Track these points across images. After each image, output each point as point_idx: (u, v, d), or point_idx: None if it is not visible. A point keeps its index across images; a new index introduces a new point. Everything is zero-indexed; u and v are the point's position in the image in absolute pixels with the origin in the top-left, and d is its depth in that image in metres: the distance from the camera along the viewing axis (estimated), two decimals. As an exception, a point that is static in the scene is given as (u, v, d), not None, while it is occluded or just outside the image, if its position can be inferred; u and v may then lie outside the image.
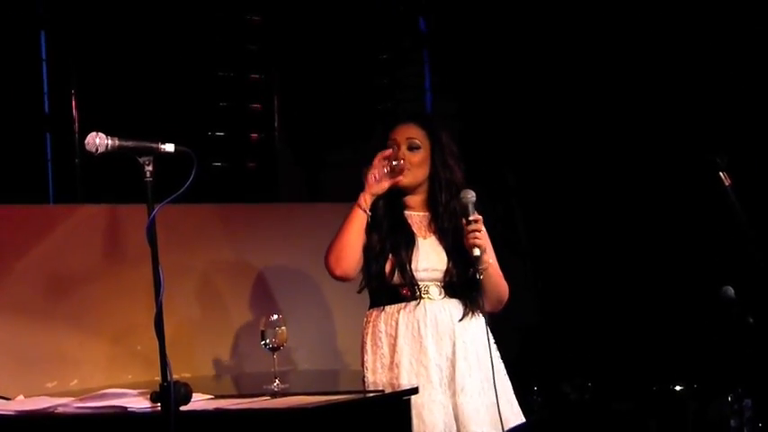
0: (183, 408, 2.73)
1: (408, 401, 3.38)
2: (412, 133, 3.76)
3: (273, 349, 3.73)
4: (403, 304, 3.67)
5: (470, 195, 3.61)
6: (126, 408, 2.99)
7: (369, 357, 3.70)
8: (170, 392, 2.68)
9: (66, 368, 4.29)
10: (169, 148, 2.80)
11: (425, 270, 3.67)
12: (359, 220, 3.68)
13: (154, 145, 2.78)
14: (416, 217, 3.76)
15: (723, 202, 3.77)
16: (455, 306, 3.69)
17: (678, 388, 5.40)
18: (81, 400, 3.12)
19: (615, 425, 4.70)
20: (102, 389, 3.21)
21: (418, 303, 3.65)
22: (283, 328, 3.75)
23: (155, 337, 2.67)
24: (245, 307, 4.72)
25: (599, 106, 5.79)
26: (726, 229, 3.96)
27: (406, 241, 3.67)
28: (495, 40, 6.00)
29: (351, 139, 5.84)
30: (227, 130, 5.54)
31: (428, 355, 3.62)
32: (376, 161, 3.69)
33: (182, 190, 2.75)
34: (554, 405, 5.62)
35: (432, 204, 3.76)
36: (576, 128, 5.87)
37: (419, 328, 3.63)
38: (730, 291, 3.90)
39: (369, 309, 3.77)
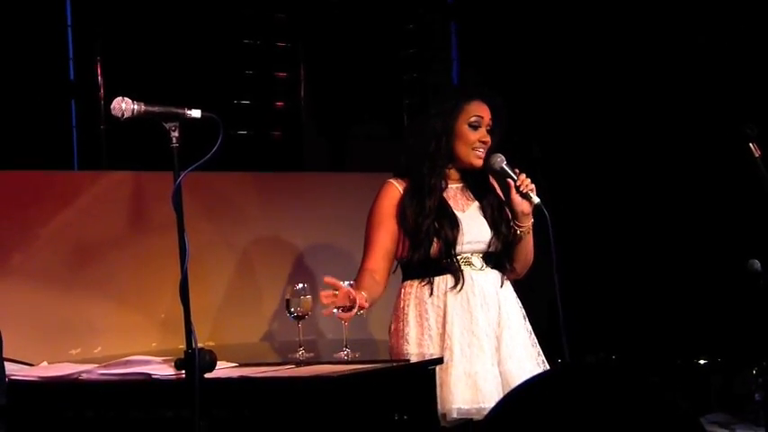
0: (207, 375, 2.73)
1: (434, 371, 3.38)
2: (488, 114, 3.67)
3: (298, 318, 3.72)
4: (448, 275, 3.62)
5: (500, 158, 3.60)
6: (150, 374, 3.00)
7: (412, 330, 3.65)
8: (194, 359, 2.69)
9: (90, 335, 4.31)
10: (195, 113, 2.79)
11: (469, 243, 3.64)
12: None
13: (180, 111, 2.77)
14: (453, 190, 3.71)
15: (753, 174, 3.73)
16: (495, 275, 3.68)
17: (702, 362, 5.40)
18: (105, 366, 3.13)
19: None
20: (126, 356, 3.21)
21: (463, 274, 3.61)
22: (308, 297, 3.75)
23: (180, 304, 2.66)
24: (271, 275, 4.72)
25: (628, 77, 5.74)
26: (755, 200, 3.92)
27: (451, 223, 3.61)
28: (521, 12, 5.96)
29: (376, 109, 5.82)
30: (253, 99, 5.53)
31: (479, 325, 3.60)
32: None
33: (208, 156, 2.75)
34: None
35: (470, 175, 3.70)
36: (604, 99, 5.83)
37: (468, 298, 3.61)
38: (757, 264, 3.87)
39: (406, 280, 3.71)
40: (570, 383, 2.76)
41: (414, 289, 3.68)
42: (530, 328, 3.74)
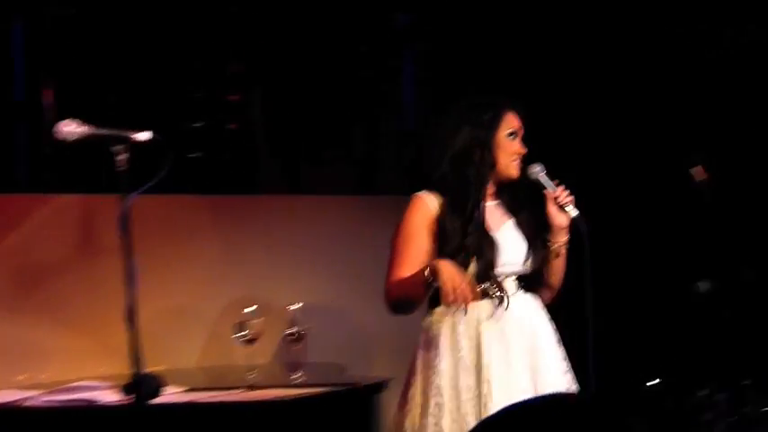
0: (154, 400, 2.71)
1: (378, 397, 3.38)
2: (521, 124, 3.55)
3: (249, 341, 3.72)
4: (483, 302, 3.40)
5: (538, 167, 3.47)
6: (96, 400, 2.97)
7: (443, 361, 3.38)
8: (141, 385, 2.66)
9: (37, 361, 4.24)
10: (143, 136, 2.77)
11: (504, 265, 3.43)
12: (426, 289, 3.36)
13: (128, 133, 2.75)
14: (488, 208, 3.50)
15: (698, 198, 3.78)
16: (529, 299, 3.49)
17: (654, 383, 5.41)
18: (50, 393, 3.10)
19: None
20: (74, 381, 3.18)
21: (500, 302, 3.40)
22: (259, 320, 3.74)
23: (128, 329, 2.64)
24: (222, 299, 4.68)
25: (578, 102, 5.78)
26: (701, 224, 3.97)
27: (490, 243, 3.40)
28: (474, 34, 5.99)
29: (331, 131, 5.81)
30: (206, 121, 5.50)
31: (515, 355, 3.38)
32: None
33: (155, 180, 2.73)
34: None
35: (504, 190, 3.54)
36: (557, 124, 5.87)
37: (503, 326, 3.39)
38: (706, 285, 3.90)
39: (435, 306, 3.45)
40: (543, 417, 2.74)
41: (446, 316, 3.43)
42: (563, 354, 3.54)
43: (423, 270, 3.26)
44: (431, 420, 3.31)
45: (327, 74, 5.79)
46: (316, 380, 3.58)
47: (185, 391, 3.29)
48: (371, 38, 6.00)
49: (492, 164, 3.45)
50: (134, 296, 2.66)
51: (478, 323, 3.37)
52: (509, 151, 3.46)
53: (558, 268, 3.49)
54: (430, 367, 3.40)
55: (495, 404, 3.25)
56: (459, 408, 3.29)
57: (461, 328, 3.38)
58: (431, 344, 3.44)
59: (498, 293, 3.38)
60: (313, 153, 5.71)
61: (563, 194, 3.42)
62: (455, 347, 3.37)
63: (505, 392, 3.29)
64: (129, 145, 2.74)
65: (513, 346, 3.38)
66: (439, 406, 3.30)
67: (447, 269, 3.20)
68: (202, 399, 3.09)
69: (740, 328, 4.05)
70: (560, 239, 3.45)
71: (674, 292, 4.76)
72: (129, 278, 2.68)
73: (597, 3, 5.81)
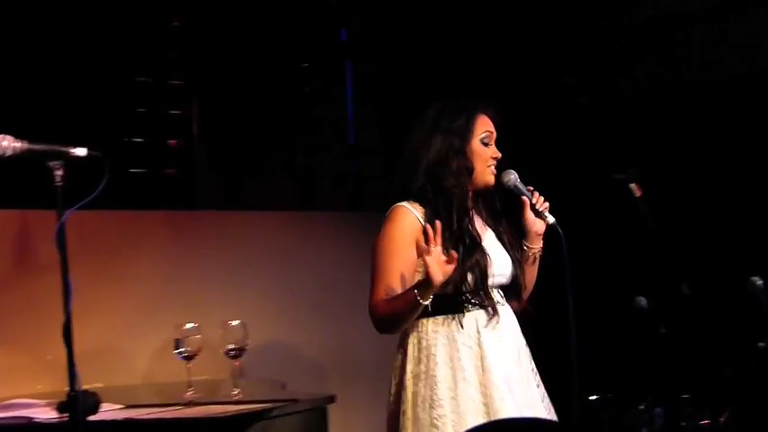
0: (90, 417, 2.69)
1: (321, 412, 3.37)
2: (493, 128, 3.42)
3: (188, 357, 3.70)
4: (479, 311, 3.28)
5: (513, 175, 3.38)
6: (32, 418, 2.94)
7: (441, 371, 3.23)
8: (77, 402, 2.64)
9: (-27, 379, 4.19)
10: (80, 152, 2.75)
11: (492, 276, 3.32)
12: (416, 310, 3.20)
13: (64, 149, 2.73)
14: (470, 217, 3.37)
15: (634, 214, 3.81)
16: (510, 310, 3.40)
17: (592, 398, 5.45)
18: (-14, 410, 3.06)
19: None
20: (10, 399, 3.14)
21: (494, 312, 3.29)
22: (198, 336, 3.73)
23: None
24: (161, 315, 4.64)
25: (517, 115, 5.83)
26: (638, 240, 4.01)
27: (482, 255, 3.28)
28: (416, 50, 6.03)
29: (271, 147, 5.81)
30: (146, 136, 5.47)
31: (513, 363, 3.30)
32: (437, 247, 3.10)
33: (92, 196, 2.71)
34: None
35: (480, 199, 3.44)
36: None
37: (500, 335, 3.29)
38: (643, 301, 3.94)
39: (426, 317, 3.27)
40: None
41: (440, 326, 3.28)
42: (534, 366, 3.45)
43: (412, 290, 3.13)
44: None
45: (269, 89, 5.79)
46: (255, 396, 3.56)
47: (123, 407, 3.27)
48: (313, 53, 6.02)
49: (469, 171, 3.33)
50: (70, 312, 2.63)
51: (477, 332, 3.25)
52: (484, 157, 3.36)
53: (531, 276, 3.44)
54: (429, 378, 3.23)
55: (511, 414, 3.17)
56: (461, 420, 3.16)
57: (459, 338, 3.24)
58: (424, 355, 3.27)
59: (493, 304, 3.28)
60: (254, 168, 5.70)
61: (539, 201, 3.37)
62: (453, 357, 3.23)
63: (517, 403, 3.21)
64: (67, 161, 2.72)
65: (511, 354, 3.30)
66: (440, 418, 3.18)
67: (432, 266, 3.06)
68: (140, 416, 3.07)
69: (678, 343, 4.09)
70: (536, 246, 3.40)
71: (613, 308, 4.80)
72: (66, 294, 2.65)
73: (529, 21, 5.89)
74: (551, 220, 3.36)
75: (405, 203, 3.30)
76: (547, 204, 3.37)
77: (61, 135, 2.84)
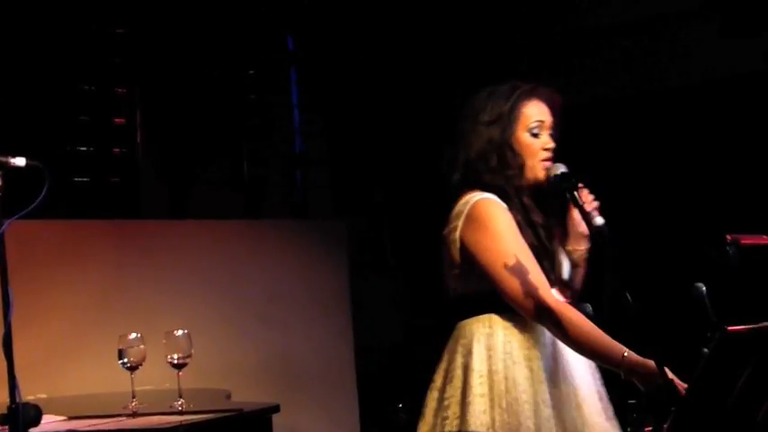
0: (32, 430, 2.66)
1: (266, 422, 3.35)
2: (549, 116, 3.05)
3: (132, 368, 3.67)
4: None
5: (562, 168, 2.96)
6: (-28, 431, 2.89)
7: (519, 372, 2.92)
8: (18, 414, 2.60)
9: None
10: (19, 162, 2.72)
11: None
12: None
13: (2, 159, 2.70)
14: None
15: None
16: None
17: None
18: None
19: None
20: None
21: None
22: (141, 347, 3.69)
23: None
24: (105, 325, 4.61)
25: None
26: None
27: (551, 240, 3.01)
28: (362, 58, 6.04)
29: (216, 155, 5.78)
30: (90, 145, 5.43)
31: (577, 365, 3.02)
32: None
33: (32, 206, 2.68)
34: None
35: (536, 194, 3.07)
36: (441, 146, 5.94)
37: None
38: (588, 308, 3.96)
39: (493, 312, 2.96)
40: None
41: (511, 323, 2.95)
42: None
43: (623, 359, 2.81)
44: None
45: (214, 97, 5.77)
46: (200, 406, 3.54)
47: (66, 419, 3.23)
48: (259, 61, 6.00)
49: (519, 166, 2.99)
50: (10, 324, 2.60)
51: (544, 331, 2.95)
52: (532, 150, 3.00)
53: (577, 278, 3.09)
54: (502, 380, 2.90)
55: (591, 406, 2.95)
56: (539, 423, 2.88)
57: (534, 337, 2.95)
58: (495, 354, 2.92)
59: (567, 294, 3.00)
60: (199, 177, 5.67)
61: (588, 200, 2.93)
62: (531, 359, 2.93)
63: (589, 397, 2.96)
64: (5, 170, 2.69)
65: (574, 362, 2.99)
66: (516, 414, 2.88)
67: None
68: (83, 427, 3.04)
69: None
70: (581, 248, 3.06)
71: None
72: (6, 305, 2.62)
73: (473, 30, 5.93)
74: (599, 221, 2.85)
75: (488, 195, 2.97)
76: (596, 204, 2.93)
77: (2, 144, 2.80)
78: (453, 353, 2.98)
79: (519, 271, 2.88)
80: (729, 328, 2.58)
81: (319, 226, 5.74)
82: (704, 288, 3.09)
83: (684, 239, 5.03)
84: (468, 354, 2.93)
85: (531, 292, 2.87)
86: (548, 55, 5.76)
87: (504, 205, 2.96)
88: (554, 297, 2.89)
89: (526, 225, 2.96)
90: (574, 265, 3.07)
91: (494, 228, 2.92)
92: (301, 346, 5.30)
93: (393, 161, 6.08)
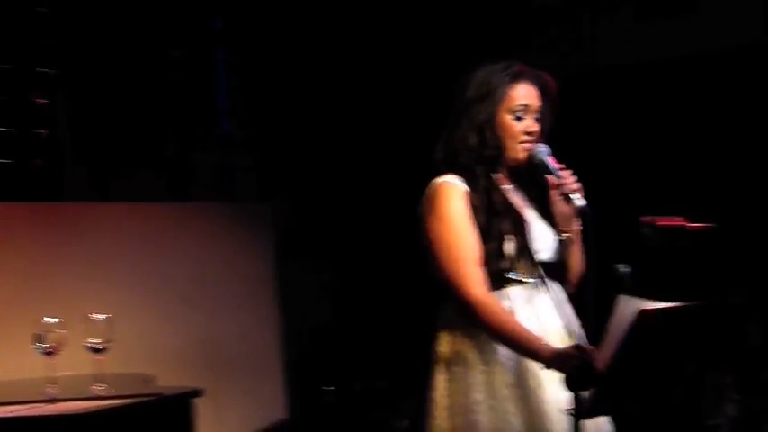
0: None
1: (188, 406, 3.32)
2: (537, 100, 3.07)
3: (49, 353, 3.61)
4: (519, 287, 3.00)
5: (542, 148, 3.02)
6: None
7: (476, 355, 2.97)
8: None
9: None
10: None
11: (537, 251, 3.05)
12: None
13: None
14: (507, 191, 3.09)
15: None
16: (559, 287, 3.08)
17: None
18: None
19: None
20: None
21: (537, 286, 3.01)
22: (61, 331, 3.64)
23: None
24: (24, 309, 4.53)
25: (397, 103, 5.88)
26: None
27: (520, 221, 3.01)
28: (289, 40, 6.00)
29: (141, 137, 5.71)
30: (11, 126, 5.32)
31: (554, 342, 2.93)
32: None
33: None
34: (346, 404, 5.65)
35: (519, 174, 3.11)
36: (365, 128, 5.94)
37: (538, 315, 3.00)
38: (624, 269, 3.90)
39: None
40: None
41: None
42: None
43: (541, 348, 2.83)
44: (471, 418, 2.94)
45: (139, 78, 5.69)
46: (120, 391, 3.49)
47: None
48: (184, 42, 5.93)
49: (498, 147, 3.03)
50: None
51: (513, 312, 2.97)
52: (512, 132, 3.03)
53: (573, 259, 3.09)
54: (460, 362, 2.99)
55: (549, 395, 2.91)
56: (499, 406, 2.94)
57: (522, 313, 2.97)
58: (455, 337, 3.02)
59: (535, 276, 3.01)
60: (123, 159, 5.59)
61: (569, 181, 2.95)
62: (486, 338, 2.96)
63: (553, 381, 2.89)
64: None
65: (552, 337, 2.94)
66: (477, 404, 2.95)
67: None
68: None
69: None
70: (567, 228, 3.06)
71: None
72: None
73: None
74: (581, 203, 2.91)
75: (448, 177, 3.03)
76: (577, 186, 2.94)
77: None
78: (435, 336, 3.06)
79: (454, 261, 2.93)
80: (646, 307, 2.61)
81: (245, 209, 5.70)
82: (627, 269, 3.12)
83: (607, 220, 5.08)
84: (438, 335, 3.04)
85: (458, 283, 2.92)
86: (489, 39, 5.75)
87: (465, 189, 3.00)
88: (478, 291, 2.92)
89: (484, 210, 2.99)
90: (567, 246, 3.07)
91: (442, 213, 2.97)
92: (227, 330, 5.27)
93: (321, 144, 6.06)
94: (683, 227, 3.23)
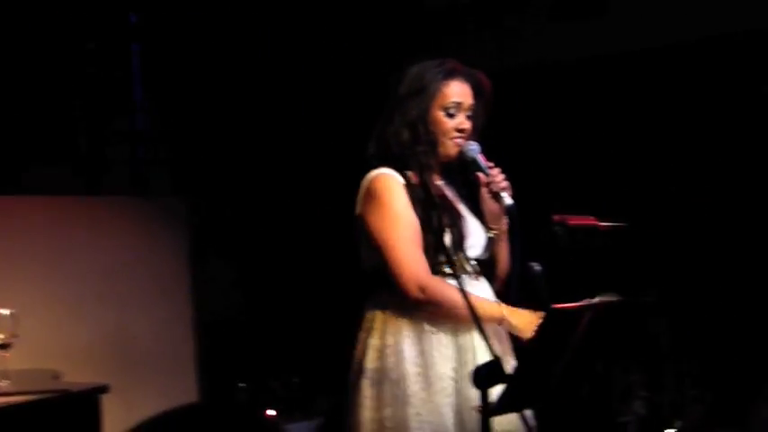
0: None
1: (95, 402, 3.27)
2: (469, 97, 3.12)
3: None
4: (455, 282, 2.93)
5: (472, 147, 3.07)
6: None
7: (410, 347, 3.01)
8: None
9: None
10: None
11: (469, 247, 3.08)
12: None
13: None
14: (440, 187, 3.14)
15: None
16: (487, 286, 3.12)
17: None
18: None
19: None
20: None
21: (470, 282, 3.03)
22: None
23: None
24: None
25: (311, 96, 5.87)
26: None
27: (455, 215, 3.06)
28: (206, 34, 5.96)
29: (54, 129, 5.62)
30: None
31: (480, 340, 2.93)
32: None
33: None
34: (262, 401, 5.63)
35: (451, 171, 3.16)
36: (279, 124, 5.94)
37: None
38: (537, 267, 3.90)
39: (381, 290, 3.06)
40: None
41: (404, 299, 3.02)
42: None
43: (497, 312, 2.95)
44: (410, 410, 2.96)
45: (53, 70, 5.59)
46: (25, 387, 3.43)
47: None
48: (100, 35, 5.85)
49: (430, 143, 3.07)
50: None
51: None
52: (444, 129, 3.07)
53: (500, 256, 3.14)
54: (392, 354, 3.01)
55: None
56: (431, 398, 2.97)
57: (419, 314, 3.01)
58: (388, 327, 3.04)
59: (468, 271, 3.04)
60: (36, 152, 5.49)
61: (496, 180, 3.02)
62: (425, 330, 3.01)
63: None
64: None
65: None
66: (411, 396, 2.97)
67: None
68: None
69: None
70: (498, 226, 3.12)
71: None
72: None
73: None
74: (508, 201, 2.99)
75: (385, 170, 3.06)
76: (505, 185, 3.02)
77: None
78: (361, 328, 3.08)
79: (400, 251, 2.97)
80: (556, 305, 2.63)
81: (159, 204, 5.63)
82: (539, 267, 3.15)
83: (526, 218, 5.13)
84: (367, 330, 3.05)
85: (406, 269, 2.96)
86: (392, 38, 5.77)
87: (402, 181, 3.03)
88: (428, 274, 2.96)
89: (421, 203, 3.02)
90: (496, 243, 3.12)
91: (384, 205, 3.01)
92: (139, 326, 5.21)
93: (236, 139, 6.03)
94: (595, 226, 3.26)
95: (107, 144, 5.80)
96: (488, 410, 2.62)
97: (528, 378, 2.73)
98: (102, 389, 3.39)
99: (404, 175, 3.04)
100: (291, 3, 5.95)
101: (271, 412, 5.41)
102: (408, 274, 2.96)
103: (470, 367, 2.79)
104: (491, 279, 3.14)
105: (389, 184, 3.02)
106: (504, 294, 3.10)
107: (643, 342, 4.13)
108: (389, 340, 3.01)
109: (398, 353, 3.00)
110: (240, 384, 5.62)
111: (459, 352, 3.01)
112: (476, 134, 3.12)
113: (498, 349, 2.95)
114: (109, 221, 5.27)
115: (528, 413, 2.94)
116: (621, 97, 5.35)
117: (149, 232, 5.39)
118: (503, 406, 2.67)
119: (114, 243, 5.23)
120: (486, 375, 2.61)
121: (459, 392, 2.99)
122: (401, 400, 2.98)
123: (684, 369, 5.10)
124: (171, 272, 5.42)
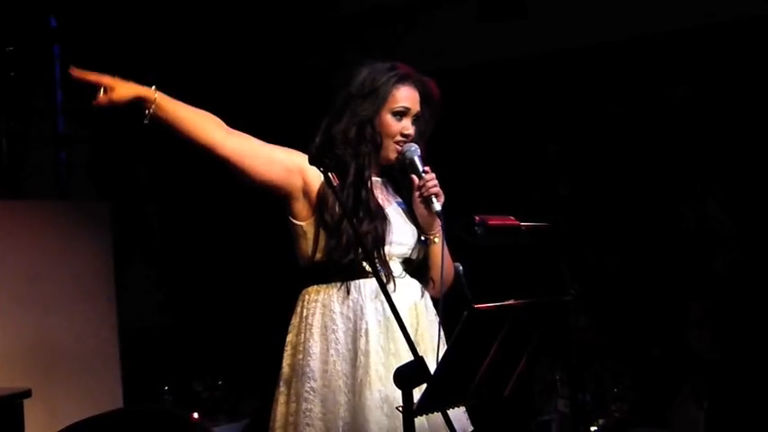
0: None
1: (20, 403, 3.25)
2: (417, 104, 3.17)
3: None
4: (367, 281, 3.04)
5: (412, 149, 3.11)
6: None
7: (315, 344, 3.04)
8: None
9: None
10: None
11: (392, 244, 3.09)
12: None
13: None
14: (373, 183, 3.16)
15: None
16: (416, 285, 3.14)
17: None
18: None
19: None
20: None
21: (387, 281, 3.03)
22: None
23: None
24: None
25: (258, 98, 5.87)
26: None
27: (380, 218, 3.07)
28: (129, 36, 5.92)
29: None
30: None
31: (397, 342, 3.00)
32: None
33: None
34: (186, 404, 5.61)
35: (390, 173, 3.22)
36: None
37: (385, 310, 3.00)
38: (459, 267, 3.93)
39: (310, 285, 3.11)
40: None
41: (321, 296, 3.08)
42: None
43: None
44: (304, 406, 3.02)
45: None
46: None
47: None
48: (19, 38, 5.79)
49: (374, 144, 3.12)
50: None
51: (359, 304, 3.05)
52: (389, 132, 3.12)
53: (435, 260, 3.14)
54: (303, 351, 3.06)
55: (373, 397, 2.99)
56: (330, 395, 3.02)
57: (338, 309, 3.06)
58: (302, 325, 3.09)
59: (384, 272, 3.03)
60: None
61: (427, 185, 3.06)
62: (327, 328, 3.05)
63: (384, 383, 2.97)
64: None
65: (396, 332, 2.93)
66: (311, 392, 3.03)
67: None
68: None
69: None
70: (431, 230, 3.13)
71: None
72: None
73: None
74: (437, 208, 3.04)
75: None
76: (436, 191, 3.05)
77: None
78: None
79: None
80: (476, 305, 2.66)
81: (82, 207, 5.59)
82: (460, 267, 3.19)
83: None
84: (291, 326, 3.13)
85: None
86: (314, 40, 5.79)
87: (315, 172, 2.99)
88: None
89: (347, 201, 3.05)
90: (428, 246, 3.15)
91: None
92: (62, 330, 5.16)
93: (157, 141, 5.99)
94: (516, 226, 3.31)
95: (28, 147, 5.75)
96: (411, 411, 2.65)
97: (449, 378, 2.75)
98: (25, 394, 3.36)
99: (340, 173, 3.06)
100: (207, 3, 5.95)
101: (195, 415, 5.40)
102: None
103: (365, 370, 2.98)
104: (425, 281, 3.17)
105: (296, 152, 3.12)
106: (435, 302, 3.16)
107: (565, 341, 4.19)
108: (301, 337, 3.08)
109: (305, 350, 3.06)
110: (165, 387, 5.60)
111: (356, 353, 3.04)
112: (421, 140, 3.17)
113: (420, 348, 2.91)
114: (31, 225, 5.22)
115: (460, 411, 3.04)
116: (540, 97, 5.43)
117: (72, 236, 5.34)
118: (425, 406, 2.70)
119: (36, 247, 5.17)
120: (408, 376, 2.64)
121: (354, 392, 3.02)
122: (302, 396, 3.04)
123: (607, 367, 5.18)
124: (94, 276, 5.38)
